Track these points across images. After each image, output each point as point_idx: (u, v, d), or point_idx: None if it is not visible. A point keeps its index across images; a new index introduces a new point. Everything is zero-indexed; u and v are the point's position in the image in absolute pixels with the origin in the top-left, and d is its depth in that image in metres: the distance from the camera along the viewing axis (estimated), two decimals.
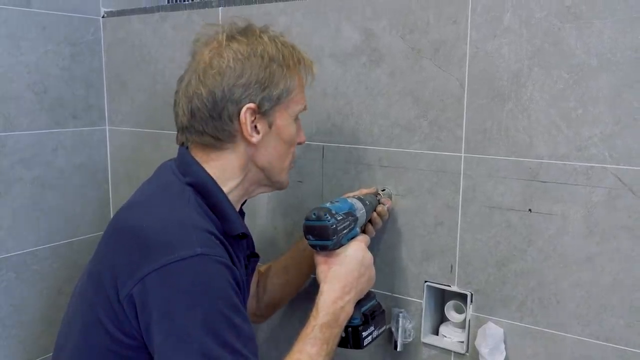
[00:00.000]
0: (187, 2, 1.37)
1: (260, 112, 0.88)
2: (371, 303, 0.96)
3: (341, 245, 0.92)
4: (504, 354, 0.97)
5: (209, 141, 0.89)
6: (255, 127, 0.89)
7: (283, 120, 0.91)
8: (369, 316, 0.94)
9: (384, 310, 0.99)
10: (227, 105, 0.87)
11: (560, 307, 0.92)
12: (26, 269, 1.38)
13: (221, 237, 0.83)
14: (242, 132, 0.88)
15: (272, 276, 1.13)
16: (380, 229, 1.05)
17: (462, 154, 0.99)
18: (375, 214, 1.02)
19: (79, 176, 1.47)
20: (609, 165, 0.86)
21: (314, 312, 0.87)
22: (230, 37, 0.90)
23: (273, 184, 0.96)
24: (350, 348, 0.92)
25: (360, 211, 0.97)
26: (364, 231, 1.01)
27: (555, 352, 0.94)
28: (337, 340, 0.88)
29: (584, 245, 0.89)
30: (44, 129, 1.39)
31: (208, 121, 0.88)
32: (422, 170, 1.03)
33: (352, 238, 0.94)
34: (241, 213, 1.00)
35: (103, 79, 1.52)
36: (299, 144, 0.98)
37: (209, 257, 0.77)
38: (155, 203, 0.87)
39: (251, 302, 1.10)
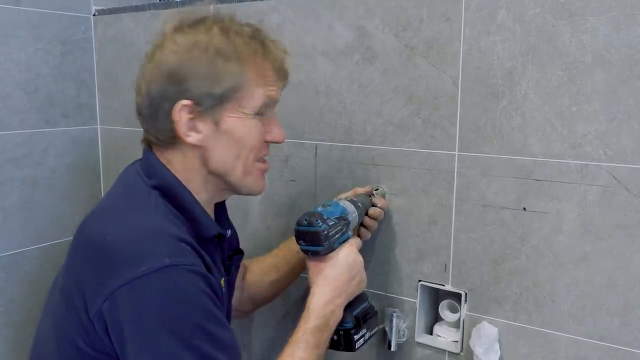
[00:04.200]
0: (178, 0, 1.36)
1: (200, 110, 0.81)
2: (363, 305, 0.95)
3: (333, 250, 0.91)
4: (499, 353, 0.96)
5: (155, 141, 0.85)
6: (195, 126, 0.82)
7: (234, 118, 0.83)
8: (360, 319, 0.93)
9: (376, 312, 0.98)
10: (162, 103, 0.81)
11: (554, 306, 0.92)
12: (17, 270, 1.37)
13: (192, 241, 0.78)
14: (178, 132, 0.82)
15: (261, 273, 1.11)
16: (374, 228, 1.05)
17: (456, 152, 0.98)
18: (367, 217, 1.01)
19: (70, 176, 1.46)
20: (603, 163, 0.86)
21: (304, 316, 0.86)
22: (178, 29, 0.84)
23: (237, 189, 0.89)
24: (342, 351, 0.92)
25: (353, 214, 0.96)
26: (359, 233, 1.01)
27: (550, 352, 0.93)
28: (327, 343, 0.87)
29: (578, 243, 0.89)
30: (34, 128, 1.38)
31: (149, 119, 0.84)
32: (415, 168, 1.03)
33: (344, 241, 0.93)
34: (220, 209, 0.96)
35: (94, 77, 1.50)
36: (272, 142, 0.89)
37: (179, 267, 0.72)
38: (119, 210, 0.82)
39: (234, 295, 1.09)
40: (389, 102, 1.04)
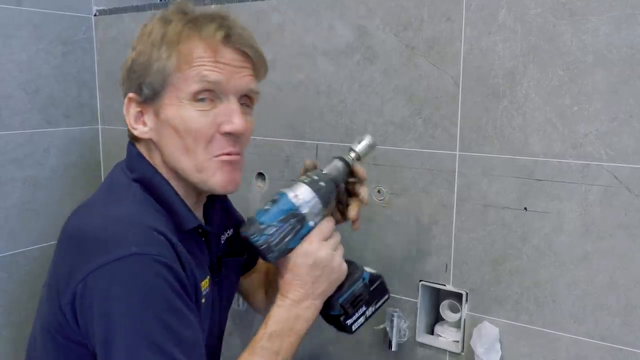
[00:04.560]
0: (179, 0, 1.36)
1: (142, 101, 0.81)
2: (352, 289, 0.87)
3: (288, 251, 0.83)
4: (500, 353, 0.96)
5: (131, 135, 0.85)
6: (142, 118, 0.82)
7: (172, 106, 0.79)
8: (348, 305, 0.87)
9: (379, 282, 0.90)
10: (124, 98, 0.83)
11: (555, 306, 0.92)
12: (18, 270, 1.37)
13: (168, 233, 0.76)
14: (128, 126, 0.82)
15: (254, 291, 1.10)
16: (371, 222, 1.04)
17: (457, 152, 0.98)
18: (352, 185, 0.89)
19: (71, 176, 1.46)
20: (605, 163, 0.86)
21: (265, 321, 0.83)
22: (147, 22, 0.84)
23: (198, 185, 0.82)
24: (343, 332, 0.89)
25: (309, 203, 0.83)
26: (342, 212, 0.91)
27: (551, 352, 0.93)
28: (294, 348, 0.83)
29: (579, 243, 0.89)
30: (35, 129, 1.38)
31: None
32: (416, 168, 1.02)
33: (304, 236, 0.84)
34: (212, 207, 0.93)
35: (95, 77, 1.50)
36: (229, 133, 0.80)
37: (145, 256, 0.71)
38: (97, 204, 0.82)
39: (258, 295, 1.07)
40: (389, 102, 1.04)
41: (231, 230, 0.99)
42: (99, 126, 1.53)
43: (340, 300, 0.87)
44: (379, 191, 1.07)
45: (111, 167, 1.45)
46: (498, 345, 0.96)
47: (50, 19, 1.39)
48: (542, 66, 0.89)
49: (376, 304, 0.90)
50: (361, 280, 0.89)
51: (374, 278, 0.90)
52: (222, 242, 0.96)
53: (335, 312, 0.87)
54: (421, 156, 1.02)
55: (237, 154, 0.82)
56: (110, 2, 1.48)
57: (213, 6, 1.25)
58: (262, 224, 0.81)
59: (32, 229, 1.39)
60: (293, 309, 0.83)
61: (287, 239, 0.82)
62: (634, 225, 0.84)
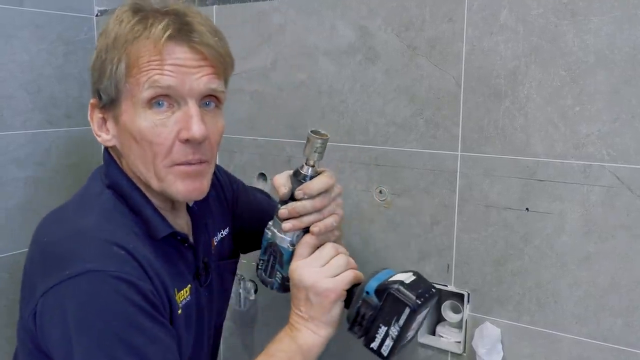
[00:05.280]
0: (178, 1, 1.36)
1: (103, 107, 0.77)
2: (355, 308, 0.79)
3: (286, 279, 0.83)
4: (501, 354, 0.96)
5: None
6: (106, 125, 0.79)
7: (129, 113, 0.75)
8: (356, 329, 0.79)
9: (387, 298, 0.76)
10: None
11: (557, 306, 0.92)
12: (19, 270, 1.36)
13: (133, 246, 0.72)
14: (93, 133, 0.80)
15: None
16: (373, 222, 1.04)
17: (459, 153, 0.98)
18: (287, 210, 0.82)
19: (72, 176, 1.46)
20: (606, 164, 0.85)
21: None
22: None
23: (163, 194, 0.79)
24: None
25: (275, 233, 0.82)
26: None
27: (552, 352, 0.93)
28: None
29: (581, 244, 0.89)
30: (37, 129, 1.38)
31: None
32: (418, 169, 1.02)
33: (289, 262, 0.83)
34: (200, 212, 0.89)
35: None
36: (187, 139, 0.75)
37: (99, 273, 0.68)
38: (66, 212, 0.79)
39: None
40: (391, 102, 1.04)
41: (226, 230, 0.96)
42: None
43: (349, 320, 0.80)
44: (380, 192, 1.07)
45: None
46: (500, 346, 0.96)
47: (51, 19, 1.39)
48: (543, 66, 0.89)
49: (398, 320, 0.75)
50: (363, 294, 0.79)
51: (381, 291, 0.77)
52: (216, 243, 0.93)
53: (356, 336, 0.80)
54: (423, 156, 1.02)
55: (200, 161, 0.77)
56: (112, 3, 1.48)
57: (215, 7, 1.25)
58: (259, 261, 0.87)
59: (33, 229, 1.38)
60: (291, 334, 0.81)
61: (275, 269, 0.85)
62: (636, 225, 0.84)
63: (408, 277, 0.78)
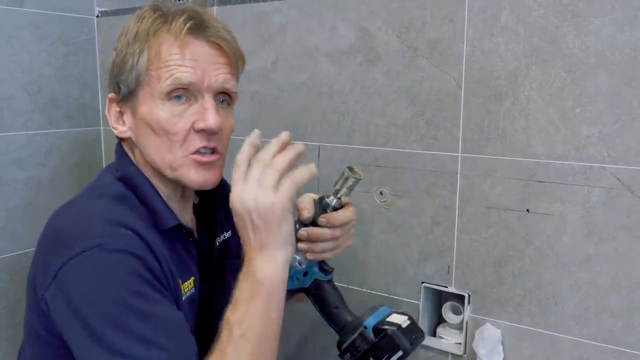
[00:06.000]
0: (180, 2, 1.36)
1: (121, 99, 0.82)
2: (351, 339, 0.82)
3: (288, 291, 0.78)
4: (502, 355, 0.96)
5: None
6: (122, 118, 0.83)
7: (147, 104, 0.79)
8: (348, 357, 0.82)
9: (383, 337, 0.81)
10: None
11: (558, 308, 0.92)
12: (20, 271, 1.37)
13: (142, 230, 0.75)
14: (110, 126, 0.85)
15: None
16: (373, 224, 1.04)
17: (459, 154, 0.98)
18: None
19: (73, 177, 1.46)
20: (607, 165, 0.85)
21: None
22: None
23: (176, 182, 0.83)
24: None
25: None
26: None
27: (553, 354, 0.93)
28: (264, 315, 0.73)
29: (582, 245, 0.89)
30: (38, 130, 1.38)
31: None
32: (418, 170, 1.02)
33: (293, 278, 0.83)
34: (205, 208, 0.92)
35: (97, 78, 1.50)
36: (203, 130, 0.79)
37: (109, 246, 0.71)
38: (78, 200, 0.82)
39: None
40: (392, 103, 1.04)
41: (229, 232, 0.97)
42: (101, 127, 1.52)
43: (342, 347, 0.83)
44: (381, 193, 1.07)
45: None
46: (500, 348, 0.96)
47: (52, 20, 1.39)
48: (544, 68, 0.89)
49: (389, 358, 0.80)
50: (361, 328, 0.82)
51: (378, 330, 0.81)
52: (218, 243, 0.94)
53: None
54: (423, 158, 1.02)
55: (213, 152, 0.81)
56: (112, 4, 1.48)
57: (215, 8, 1.25)
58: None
59: (34, 230, 1.37)
60: (247, 271, 0.74)
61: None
62: (636, 227, 0.84)
63: (404, 321, 0.83)
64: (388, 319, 0.83)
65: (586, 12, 0.85)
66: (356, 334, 0.82)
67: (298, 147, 0.75)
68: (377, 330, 0.81)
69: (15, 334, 1.37)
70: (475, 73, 0.95)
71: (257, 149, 0.75)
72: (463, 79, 0.96)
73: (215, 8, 1.25)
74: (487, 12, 0.92)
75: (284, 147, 0.75)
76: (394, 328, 0.80)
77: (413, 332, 0.82)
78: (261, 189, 0.71)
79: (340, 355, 0.83)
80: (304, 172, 0.73)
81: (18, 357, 0.89)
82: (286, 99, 1.17)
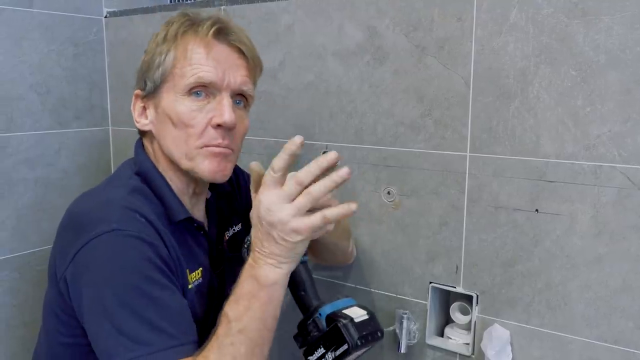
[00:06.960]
0: (189, 2, 1.36)
1: (145, 95, 0.88)
2: (306, 321, 0.83)
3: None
4: (510, 356, 0.95)
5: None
6: (145, 113, 0.90)
7: (169, 98, 0.86)
8: (299, 338, 0.84)
9: (332, 329, 0.80)
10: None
11: (568, 308, 0.91)
12: (29, 270, 1.37)
13: (154, 220, 0.81)
14: (134, 120, 0.90)
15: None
16: (381, 223, 1.03)
17: (468, 154, 0.97)
18: None
19: (82, 177, 1.47)
20: (618, 165, 0.85)
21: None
22: None
23: (189, 174, 0.88)
24: None
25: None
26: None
27: (562, 355, 0.92)
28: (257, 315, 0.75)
29: (592, 245, 0.88)
30: (47, 130, 1.39)
31: None
32: (426, 170, 1.02)
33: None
34: (215, 202, 0.98)
35: (106, 79, 1.51)
36: (218, 125, 0.84)
37: (123, 231, 0.76)
38: (96, 190, 0.89)
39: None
40: (399, 102, 1.04)
41: (239, 225, 1.02)
42: (110, 127, 1.53)
43: (298, 330, 0.84)
44: (388, 192, 1.06)
45: None
46: (509, 348, 0.96)
47: (61, 20, 1.39)
48: (554, 66, 0.88)
49: (335, 350, 0.79)
50: (315, 315, 0.82)
51: (330, 319, 0.81)
52: (228, 237, 1.00)
53: (298, 345, 0.84)
54: (431, 157, 1.01)
55: (227, 146, 0.86)
56: (121, 4, 1.49)
57: (223, 7, 1.25)
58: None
59: (43, 230, 1.39)
60: (251, 273, 0.75)
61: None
62: None
63: (360, 316, 0.81)
64: (345, 311, 0.82)
65: (596, 10, 0.84)
66: (310, 320, 0.83)
67: (339, 176, 0.72)
68: (329, 319, 0.81)
69: (25, 333, 1.38)
70: (483, 72, 0.94)
71: (296, 159, 0.73)
72: (471, 78, 0.95)
73: (222, 8, 1.25)
74: (496, 10, 0.92)
75: (325, 170, 0.73)
76: (346, 321, 0.79)
77: (366, 329, 0.80)
78: (291, 212, 0.71)
79: (294, 338, 0.85)
80: (340, 212, 0.72)
81: (33, 357, 0.93)
82: (293, 98, 1.17)
